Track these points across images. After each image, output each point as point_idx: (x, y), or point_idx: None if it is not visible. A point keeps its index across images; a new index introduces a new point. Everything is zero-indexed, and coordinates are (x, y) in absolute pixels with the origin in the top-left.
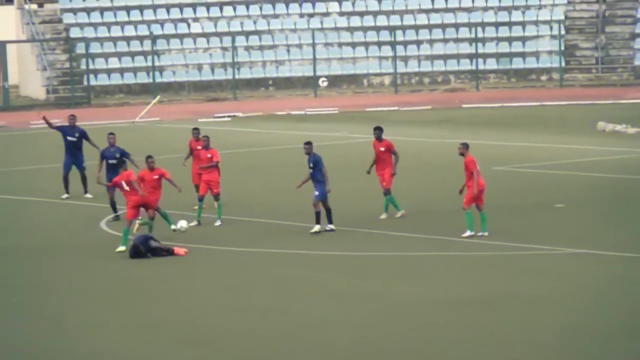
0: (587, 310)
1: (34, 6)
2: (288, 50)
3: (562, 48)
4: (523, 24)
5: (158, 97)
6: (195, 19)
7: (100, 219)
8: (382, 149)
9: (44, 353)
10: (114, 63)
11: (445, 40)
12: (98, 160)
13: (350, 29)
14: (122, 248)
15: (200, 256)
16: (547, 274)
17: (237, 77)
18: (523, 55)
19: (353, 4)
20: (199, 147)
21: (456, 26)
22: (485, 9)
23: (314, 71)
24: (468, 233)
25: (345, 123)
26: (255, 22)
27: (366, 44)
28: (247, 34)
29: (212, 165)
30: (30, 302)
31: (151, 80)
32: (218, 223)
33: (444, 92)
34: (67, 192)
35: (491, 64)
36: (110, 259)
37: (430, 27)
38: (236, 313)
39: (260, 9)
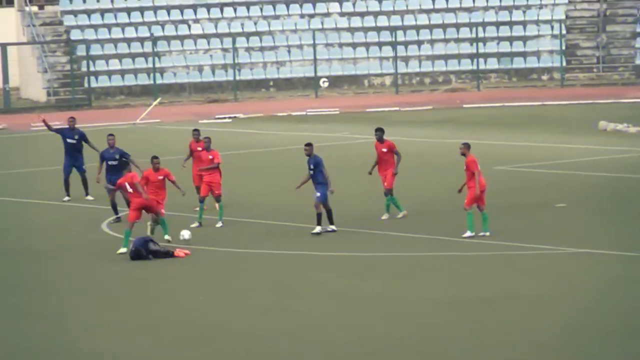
0: (587, 310)
1: (35, 8)
2: (289, 51)
3: (563, 47)
4: (524, 24)
5: (159, 99)
6: (196, 20)
7: (102, 221)
8: (384, 150)
9: (43, 353)
10: (114, 65)
11: (446, 40)
12: (98, 161)
13: (351, 30)
14: (123, 250)
15: (201, 257)
16: (548, 274)
17: (237, 78)
18: (524, 54)
19: (354, 5)
20: (199, 149)
21: (457, 26)
22: (486, 8)
23: (315, 72)
24: (468, 234)
25: (346, 124)
26: (255, 23)
27: (367, 45)
28: (247, 35)
29: (213, 167)
30: (31, 303)
31: (152, 82)
32: (219, 224)
33: (445, 92)
34: (68, 195)
35: (492, 64)
36: (111, 261)
37: (431, 27)
38: (237, 313)
39: (261, 10)
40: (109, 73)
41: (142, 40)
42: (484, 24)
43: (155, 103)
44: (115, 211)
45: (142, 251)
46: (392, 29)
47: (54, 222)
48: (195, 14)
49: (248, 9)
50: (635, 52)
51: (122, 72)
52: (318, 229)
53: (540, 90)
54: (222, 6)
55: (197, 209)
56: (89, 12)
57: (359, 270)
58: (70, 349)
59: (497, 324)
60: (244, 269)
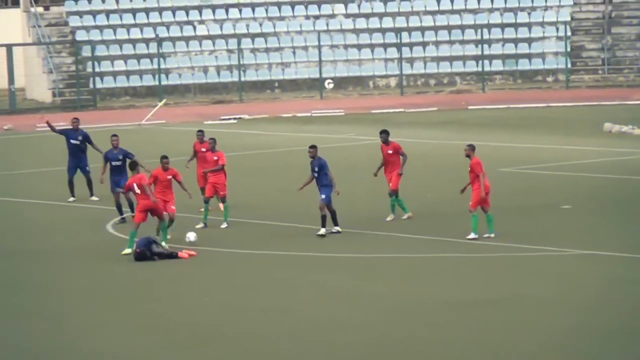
0: (591, 311)
1: (40, 9)
2: (294, 53)
3: (568, 49)
4: (529, 25)
5: (164, 100)
6: (201, 21)
7: (106, 222)
8: (390, 151)
9: (43, 353)
10: (119, 66)
11: (451, 42)
12: (102, 162)
13: (356, 31)
14: (128, 250)
15: (206, 258)
16: (553, 276)
17: (243, 79)
18: (529, 56)
19: (359, 6)
20: (203, 150)
21: (462, 28)
22: (491, 10)
23: (320, 73)
24: (472, 235)
25: (351, 125)
26: (261, 24)
27: (372, 46)
28: (252, 36)
29: (218, 168)
30: (33, 303)
31: (157, 83)
32: (224, 225)
33: (450, 93)
34: (73, 195)
35: (497, 66)
36: (116, 261)
37: (436, 28)
38: (240, 314)
39: (266, 11)
40: (114, 74)
41: (147, 41)
42: (489, 26)
43: (160, 104)
44: (120, 212)
45: (147, 252)
46: (397, 31)
47: (59, 223)
48: (201, 15)
49: (253, 10)
50: None
51: (127, 73)
52: (323, 230)
53: (545, 92)
54: (227, 7)
55: (202, 209)
56: (94, 13)
57: (363, 271)
58: (71, 349)
59: (501, 325)
60: (249, 270)
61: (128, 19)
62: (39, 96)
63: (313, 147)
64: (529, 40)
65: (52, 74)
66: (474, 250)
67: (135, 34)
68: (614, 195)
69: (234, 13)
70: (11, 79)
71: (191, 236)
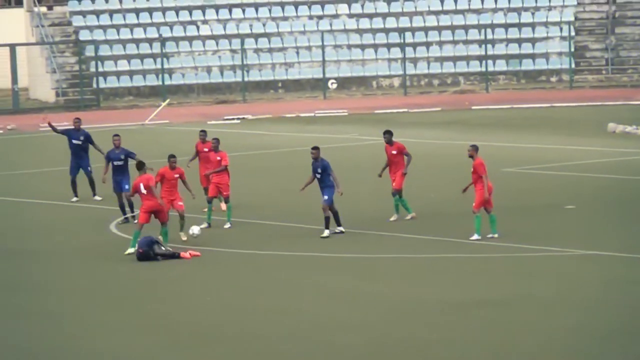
0: (593, 311)
1: (44, 9)
2: (297, 53)
3: (572, 49)
4: (532, 26)
5: (167, 100)
6: (204, 22)
7: (109, 222)
8: (394, 152)
9: (43, 353)
10: (123, 65)
11: (454, 42)
12: (104, 162)
13: (359, 31)
14: (130, 250)
15: (209, 258)
16: (555, 276)
17: (246, 79)
18: (533, 56)
19: (362, 6)
20: (206, 150)
21: (465, 28)
22: (495, 10)
23: (323, 73)
24: (476, 237)
25: (355, 125)
26: (264, 25)
27: (375, 46)
28: (256, 36)
29: (221, 169)
30: (33, 303)
31: (160, 83)
32: (227, 225)
33: (454, 93)
34: (76, 195)
35: (501, 66)
36: (119, 261)
37: (439, 28)
38: (242, 314)
39: (269, 11)
40: (118, 74)
41: (150, 41)
42: (492, 26)
43: (164, 104)
44: (124, 212)
45: (150, 252)
46: (401, 31)
47: (61, 223)
48: (204, 15)
49: (257, 10)
50: None
51: (131, 73)
52: (327, 232)
53: (549, 92)
54: (230, 7)
55: (206, 210)
56: (97, 13)
57: (365, 271)
58: (71, 349)
59: (502, 325)
60: (251, 270)
61: (131, 18)
62: (42, 96)
63: (315, 148)
64: (533, 41)
65: (56, 74)
66: (477, 251)
67: (139, 33)
68: (617, 195)
69: (237, 13)
70: (14, 79)
71: (195, 229)
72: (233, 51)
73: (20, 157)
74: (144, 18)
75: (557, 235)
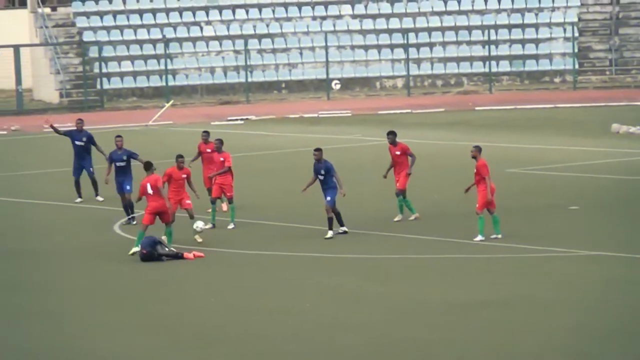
0: (595, 311)
1: (47, 10)
2: (301, 53)
3: (576, 50)
4: (536, 26)
5: (171, 101)
6: (208, 22)
7: (112, 222)
8: (398, 152)
9: (43, 353)
10: (126, 66)
11: (458, 43)
12: (107, 163)
13: (363, 32)
14: (135, 249)
15: (213, 259)
16: (558, 276)
17: (249, 80)
18: (536, 57)
19: (365, 7)
20: (208, 150)
21: (469, 28)
22: (498, 11)
23: (327, 74)
24: (479, 238)
25: (358, 126)
26: (267, 25)
27: (379, 47)
28: (259, 37)
29: (224, 170)
30: (35, 303)
31: (164, 84)
32: (231, 226)
33: (457, 94)
34: (80, 196)
35: (504, 66)
36: (122, 262)
37: (443, 29)
38: (245, 315)
39: (273, 11)
40: (121, 75)
41: (154, 42)
42: (496, 27)
43: (168, 105)
44: (127, 213)
45: (154, 253)
46: (404, 31)
47: (64, 223)
48: (207, 15)
49: (260, 11)
50: None
51: (134, 74)
52: (330, 233)
53: (553, 92)
54: (234, 8)
55: (210, 210)
56: (101, 14)
57: (368, 272)
58: (71, 349)
59: (503, 325)
60: (255, 271)
61: (135, 19)
62: (46, 97)
63: (318, 150)
64: (537, 41)
65: (60, 75)
66: (480, 251)
67: (143, 34)
68: (622, 196)
69: (240, 14)
70: (18, 80)
71: (200, 224)
72: (236, 52)
73: (23, 158)
74: (148, 19)
75: (561, 236)
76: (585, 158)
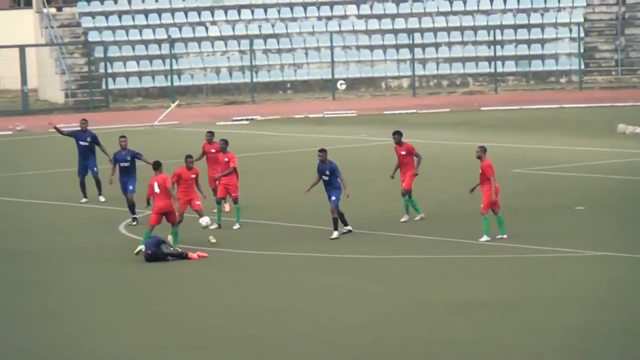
0: (597, 311)
1: (53, 10)
2: (306, 53)
3: (582, 50)
4: (542, 27)
5: (177, 102)
6: (213, 22)
7: (116, 222)
8: (403, 152)
9: (43, 353)
10: (132, 67)
11: (463, 43)
12: (111, 163)
13: (368, 32)
14: (141, 247)
15: (217, 259)
16: (562, 277)
17: (255, 80)
18: (542, 57)
19: (371, 7)
20: (213, 151)
21: (474, 29)
22: (504, 11)
23: (332, 74)
24: (485, 238)
25: (364, 126)
26: (273, 25)
27: (384, 47)
28: (265, 37)
29: (229, 172)
30: (35, 303)
31: (169, 84)
32: (237, 226)
33: (463, 94)
34: (85, 197)
35: (510, 67)
36: (125, 262)
37: (448, 29)
38: (247, 315)
39: (279, 12)
40: (127, 75)
41: (159, 42)
42: (501, 27)
43: (173, 106)
44: (133, 212)
45: (160, 253)
46: (410, 32)
47: (68, 224)
48: (213, 15)
49: (265, 11)
50: None
51: (140, 74)
52: (336, 234)
53: (559, 93)
54: (239, 8)
55: (215, 210)
56: (106, 14)
57: (373, 272)
58: (71, 349)
59: (505, 326)
60: (259, 271)
61: (140, 20)
62: (51, 97)
63: (323, 150)
64: (542, 42)
65: (65, 75)
66: (485, 252)
67: (148, 34)
68: (627, 196)
69: (246, 14)
70: (24, 80)
71: (206, 220)
72: (242, 52)
73: (29, 158)
74: (153, 19)
75: (567, 237)
76: (591, 158)
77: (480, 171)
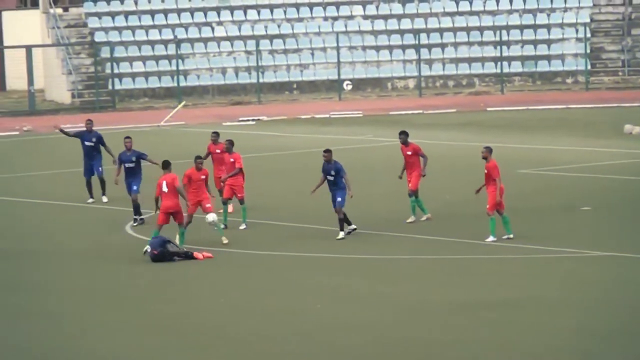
0: (606, 312)
1: (59, 10)
2: (312, 54)
3: (588, 51)
4: (548, 27)
5: (183, 102)
6: (219, 23)
7: (123, 223)
8: (409, 153)
9: (43, 353)
10: (138, 67)
11: (469, 43)
12: (116, 164)
13: (374, 32)
14: (147, 247)
15: (223, 259)
16: (572, 277)
17: (261, 80)
18: (548, 58)
19: (377, 7)
20: (218, 151)
21: (481, 29)
22: (510, 11)
23: (338, 75)
24: (491, 238)
25: (370, 126)
26: (279, 26)
27: (390, 47)
28: (271, 38)
29: (235, 172)
30: (36, 303)
31: (175, 84)
32: (243, 227)
33: (469, 95)
34: (92, 197)
35: (516, 67)
36: (134, 262)
37: (454, 30)
38: (249, 315)
39: (285, 12)
40: (133, 75)
41: (165, 42)
42: (508, 27)
43: (180, 106)
44: (139, 213)
45: (166, 253)
46: (416, 32)
47: (73, 224)
48: (219, 16)
49: (271, 12)
50: None
51: (146, 75)
52: (342, 234)
53: (565, 93)
54: (245, 9)
55: (221, 211)
56: (113, 15)
57: (378, 272)
58: (71, 349)
59: (507, 326)
60: (264, 271)
61: (146, 20)
62: (58, 97)
63: (328, 151)
64: (548, 42)
65: (71, 75)
66: (491, 252)
67: (154, 35)
68: (634, 197)
69: (252, 14)
70: (31, 80)
71: (211, 216)
72: (248, 52)
73: (35, 158)
74: (159, 19)
75: (573, 237)
76: (598, 159)
77: (485, 172)
